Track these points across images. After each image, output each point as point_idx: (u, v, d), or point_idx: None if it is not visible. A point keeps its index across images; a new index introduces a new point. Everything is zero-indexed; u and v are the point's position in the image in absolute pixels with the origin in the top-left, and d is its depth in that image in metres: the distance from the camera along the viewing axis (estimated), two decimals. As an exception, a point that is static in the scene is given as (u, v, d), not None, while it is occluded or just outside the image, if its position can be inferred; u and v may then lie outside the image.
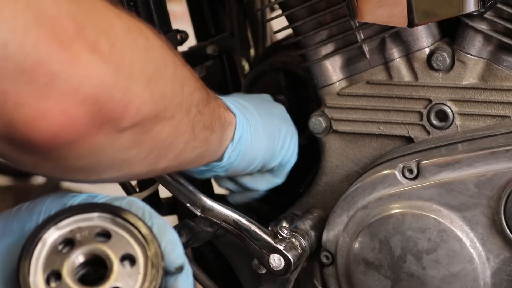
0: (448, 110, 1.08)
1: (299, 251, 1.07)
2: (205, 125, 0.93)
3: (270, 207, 1.28)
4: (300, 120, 1.19)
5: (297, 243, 1.08)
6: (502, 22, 1.04)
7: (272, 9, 1.50)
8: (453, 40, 1.08)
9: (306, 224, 1.13)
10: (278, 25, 1.20)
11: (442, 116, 1.09)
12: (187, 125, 0.87)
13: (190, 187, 1.05)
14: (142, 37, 0.77)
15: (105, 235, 0.81)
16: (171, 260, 0.83)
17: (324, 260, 1.12)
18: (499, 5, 1.03)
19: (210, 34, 1.33)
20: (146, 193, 1.19)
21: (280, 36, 1.37)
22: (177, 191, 1.05)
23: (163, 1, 1.18)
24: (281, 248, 1.06)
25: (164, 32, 1.17)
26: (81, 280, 0.79)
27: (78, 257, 0.79)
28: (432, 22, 1.08)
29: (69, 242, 0.80)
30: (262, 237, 1.06)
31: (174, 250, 0.83)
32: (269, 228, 1.09)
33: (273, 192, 1.23)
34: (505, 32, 1.04)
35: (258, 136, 1.08)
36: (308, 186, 1.21)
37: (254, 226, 1.06)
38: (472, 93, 1.07)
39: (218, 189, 1.29)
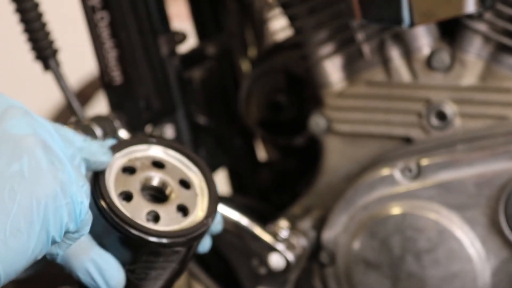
0: (448, 110, 1.08)
1: (299, 251, 1.07)
2: None
3: (270, 207, 1.28)
4: (300, 120, 1.19)
5: (297, 243, 1.08)
6: (501, 23, 1.04)
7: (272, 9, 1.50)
8: (453, 40, 1.08)
9: (306, 224, 1.13)
10: (278, 25, 1.20)
11: (442, 116, 1.09)
12: None
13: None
14: None
15: (159, 164, 0.88)
16: None
17: (324, 260, 1.12)
18: (498, 6, 1.03)
19: (210, 34, 1.33)
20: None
21: (280, 36, 1.37)
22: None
23: (163, 1, 1.19)
24: (280, 248, 1.06)
25: (163, 32, 1.17)
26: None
27: (141, 180, 0.86)
28: (431, 23, 1.08)
29: (129, 170, 0.87)
30: (262, 237, 1.06)
31: None
32: (269, 228, 1.09)
33: (273, 192, 1.24)
34: (504, 32, 1.04)
35: None
36: (308, 186, 1.21)
37: (254, 226, 1.06)
38: (472, 93, 1.07)
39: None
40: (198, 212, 0.86)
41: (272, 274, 1.07)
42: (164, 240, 0.82)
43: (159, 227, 0.83)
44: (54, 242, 0.72)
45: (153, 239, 0.82)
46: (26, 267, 0.71)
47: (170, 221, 0.84)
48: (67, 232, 0.73)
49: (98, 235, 0.82)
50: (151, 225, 0.83)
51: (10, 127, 0.72)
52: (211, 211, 0.86)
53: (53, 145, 0.74)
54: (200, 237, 0.85)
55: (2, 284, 0.69)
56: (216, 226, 0.91)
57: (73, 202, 0.73)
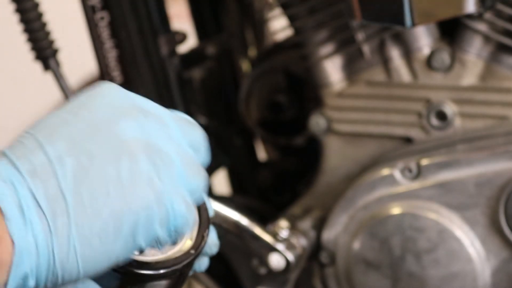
0: (448, 110, 1.08)
1: (299, 251, 1.07)
2: None
3: (270, 207, 1.28)
4: (300, 120, 1.19)
5: (297, 243, 1.08)
6: (501, 23, 1.04)
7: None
8: (453, 40, 1.08)
9: (306, 224, 1.13)
10: (278, 25, 1.20)
11: (442, 116, 1.09)
12: None
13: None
14: None
15: None
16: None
17: (324, 260, 1.12)
18: (498, 6, 1.03)
19: (210, 34, 1.33)
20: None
21: (280, 36, 1.37)
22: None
23: (163, 1, 1.19)
24: (281, 248, 1.06)
25: (163, 32, 1.17)
26: None
27: None
28: (431, 23, 1.08)
29: None
30: (262, 237, 1.06)
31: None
32: (269, 228, 1.09)
33: (273, 192, 1.24)
34: (504, 32, 1.04)
35: (70, 258, 0.68)
36: (308, 186, 1.21)
37: (254, 226, 1.06)
38: (472, 93, 1.07)
39: (218, 189, 1.29)
40: (187, 241, 0.82)
41: (272, 274, 1.07)
42: (147, 272, 0.78)
43: (144, 257, 0.79)
44: (140, 249, 0.72)
45: (136, 270, 0.77)
46: (106, 269, 0.70)
47: (156, 251, 0.79)
48: (156, 238, 0.72)
49: None
50: (135, 256, 0.78)
51: (121, 129, 0.71)
52: (199, 241, 0.81)
53: (164, 145, 0.72)
54: (187, 266, 0.81)
55: (79, 278, 0.69)
56: (212, 248, 0.87)
57: (167, 211, 0.71)
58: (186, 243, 0.83)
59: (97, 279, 0.79)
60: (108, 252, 0.69)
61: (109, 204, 0.68)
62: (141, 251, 0.74)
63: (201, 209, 0.83)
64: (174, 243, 0.81)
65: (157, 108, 0.76)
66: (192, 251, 0.81)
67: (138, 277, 0.80)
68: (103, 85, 0.75)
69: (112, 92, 0.74)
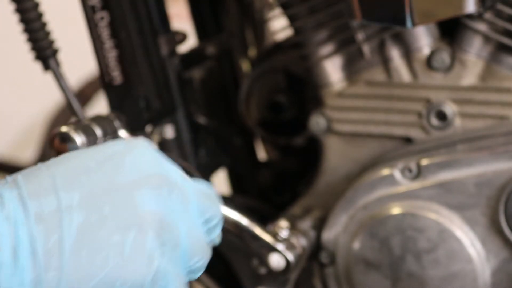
0: (448, 110, 1.08)
1: (299, 251, 1.07)
2: None
3: (270, 207, 1.28)
4: (300, 120, 1.19)
5: (297, 243, 1.08)
6: (501, 23, 1.04)
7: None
8: (453, 40, 1.08)
9: (306, 224, 1.13)
10: (278, 25, 1.20)
11: (442, 116, 1.09)
12: None
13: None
14: None
15: None
16: None
17: (324, 260, 1.12)
18: (498, 6, 1.03)
19: (210, 34, 1.33)
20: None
21: (280, 36, 1.37)
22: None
23: (163, 1, 1.19)
24: (280, 248, 1.06)
25: (163, 32, 1.17)
26: None
27: None
28: (431, 23, 1.08)
29: None
30: (262, 237, 1.06)
31: None
32: (269, 228, 1.09)
33: (273, 192, 1.23)
34: (504, 32, 1.04)
35: None
36: (308, 186, 1.21)
37: (254, 226, 1.06)
38: (472, 93, 1.07)
39: (218, 189, 1.29)
40: None
41: (272, 274, 1.07)
42: None
43: None
44: None
45: None
46: None
47: None
48: None
49: None
50: None
51: (139, 198, 0.69)
52: None
53: (177, 223, 0.71)
54: None
55: None
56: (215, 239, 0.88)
57: None
58: None
59: None
60: None
61: (105, 270, 0.68)
62: None
63: None
64: None
65: (183, 180, 0.74)
66: None
67: None
68: (138, 143, 0.73)
69: (145, 155, 0.72)
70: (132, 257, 0.68)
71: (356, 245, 1.09)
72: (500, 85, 1.06)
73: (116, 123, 1.05)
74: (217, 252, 1.27)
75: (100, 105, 1.71)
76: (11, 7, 1.05)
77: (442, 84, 1.08)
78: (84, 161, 0.70)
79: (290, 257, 1.06)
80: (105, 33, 1.13)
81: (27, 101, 2.65)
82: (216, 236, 0.78)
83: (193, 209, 0.74)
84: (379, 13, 1.03)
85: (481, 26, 1.05)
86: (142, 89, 1.15)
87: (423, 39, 1.08)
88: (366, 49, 1.11)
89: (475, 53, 1.06)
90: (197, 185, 0.76)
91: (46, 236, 0.65)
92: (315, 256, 1.13)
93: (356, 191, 1.09)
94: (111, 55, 1.14)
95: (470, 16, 1.05)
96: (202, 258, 0.75)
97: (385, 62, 1.11)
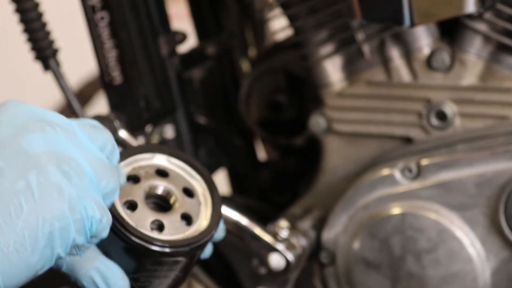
0: (448, 110, 1.08)
1: (299, 251, 1.07)
2: None
3: (270, 207, 1.28)
4: (300, 120, 1.19)
5: (297, 243, 1.08)
6: (501, 23, 1.04)
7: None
8: (453, 40, 1.08)
9: (306, 224, 1.13)
10: (278, 25, 1.20)
11: (442, 116, 1.09)
12: None
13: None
14: None
15: (163, 173, 0.88)
16: None
17: (324, 260, 1.12)
18: (498, 6, 1.03)
19: (210, 34, 1.33)
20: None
21: (280, 36, 1.37)
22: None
23: (163, 1, 1.19)
24: (280, 248, 1.06)
25: (163, 32, 1.17)
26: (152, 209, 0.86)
27: (146, 189, 0.86)
28: (431, 23, 1.08)
29: (134, 178, 0.86)
30: (262, 237, 1.06)
31: None
32: (269, 228, 1.09)
33: (273, 192, 1.23)
34: (504, 32, 1.04)
35: None
36: (308, 186, 1.21)
37: (254, 226, 1.06)
38: (472, 93, 1.07)
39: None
40: (202, 221, 0.86)
41: (272, 274, 1.07)
42: (168, 250, 0.82)
43: (164, 236, 0.83)
44: (59, 258, 0.72)
45: (157, 248, 0.81)
46: (27, 281, 0.71)
47: (174, 230, 0.84)
48: (75, 245, 0.73)
49: (103, 244, 0.81)
50: (156, 234, 0.83)
51: (26, 143, 0.72)
52: (215, 221, 0.86)
53: (73, 154, 0.73)
54: (203, 246, 0.85)
55: None
56: (219, 233, 0.90)
57: (82, 217, 0.72)
58: (201, 224, 0.85)
59: (116, 258, 0.81)
60: (27, 265, 0.70)
61: (23, 218, 0.69)
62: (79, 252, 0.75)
63: (212, 190, 0.89)
64: (189, 223, 0.84)
65: (63, 119, 0.77)
66: (209, 231, 0.85)
67: (159, 256, 0.82)
68: (8, 102, 0.76)
69: (18, 108, 0.75)
70: (43, 196, 0.70)
71: (356, 245, 1.09)
72: (500, 85, 1.06)
73: (116, 123, 1.05)
74: (217, 252, 1.27)
75: (100, 105, 1.71)
76: (11, 7, 1.05)
77: (442, 84, 1.08)
78: None
79: (290, 257, 1.06)
80: (105, 33, 1.13)
81: (27, 101, 2.65)
82: (116, 160, 0.80)
83: (83, 139, 0.76)
84: (379, 13, 1.03)
85: (481, 26, 1.05)
86: (142, 89, 1.16)
87: (423, 39, 1.08)
88: (366, 49, 1.11)
89: (475, 53, 1.06)
90: (80, 120, 0.79)
91: None
92: (315, 256, 1.13)
93: (356, 191, 1.09)
94: (111, 55, 1.14)
95: (470, 16, 1.05)
96: (111, 181, 0.76)
97: (385, 62, 1.11)
